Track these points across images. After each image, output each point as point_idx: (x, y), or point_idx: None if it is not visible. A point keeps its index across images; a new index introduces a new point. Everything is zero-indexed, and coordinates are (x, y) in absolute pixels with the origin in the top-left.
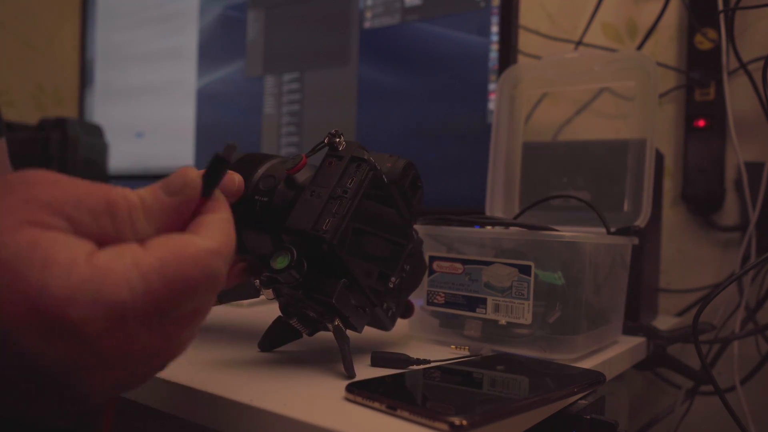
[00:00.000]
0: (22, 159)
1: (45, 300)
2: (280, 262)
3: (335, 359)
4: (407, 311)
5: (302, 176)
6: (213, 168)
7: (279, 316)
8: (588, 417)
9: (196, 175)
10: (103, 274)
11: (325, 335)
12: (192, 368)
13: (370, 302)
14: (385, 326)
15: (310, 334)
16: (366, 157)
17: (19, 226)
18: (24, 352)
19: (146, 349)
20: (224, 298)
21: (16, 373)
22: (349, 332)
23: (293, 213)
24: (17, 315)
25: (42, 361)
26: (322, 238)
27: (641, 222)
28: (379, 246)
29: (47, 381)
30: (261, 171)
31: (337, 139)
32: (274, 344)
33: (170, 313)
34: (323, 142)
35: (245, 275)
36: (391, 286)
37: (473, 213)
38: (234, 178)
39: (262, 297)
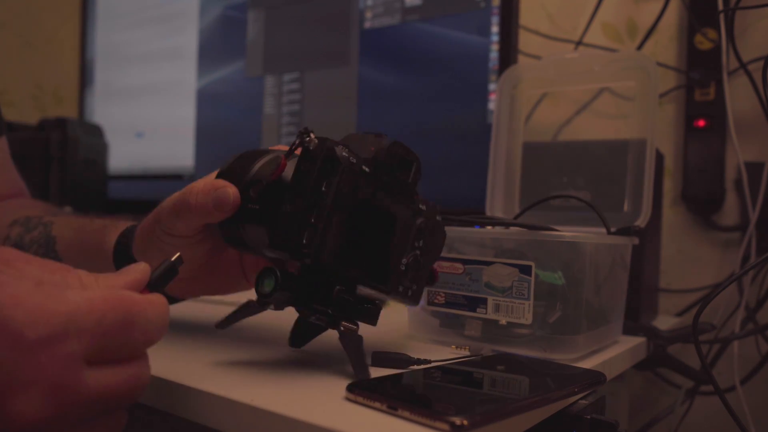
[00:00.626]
0: (22, 159)
1: None
2: (267, 285)
3: (336, 359)
4: (431, 279)
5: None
6: (165, 273)
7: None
8: (588, 417)
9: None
10: (50, 293)
11: (327, 334)
12: (192, 368)
13: (381, 291)
14: (410, 304)
15: (335, 328)
16: (339, 154)
17: None
18: None
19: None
20: (229, 321)
21: None
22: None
23: (274, 230)
24: None
25: None
26: (305, 253)
27: (641, 222)
28: (380, 234)
29: None
30: (253, 171)
31: (308, 138)
32: (305, 340)
33: (107, 346)
34: (295, 142)
35: (239, 266)
36: (403, 268)
37: (473, 213)
38: (229, 193)
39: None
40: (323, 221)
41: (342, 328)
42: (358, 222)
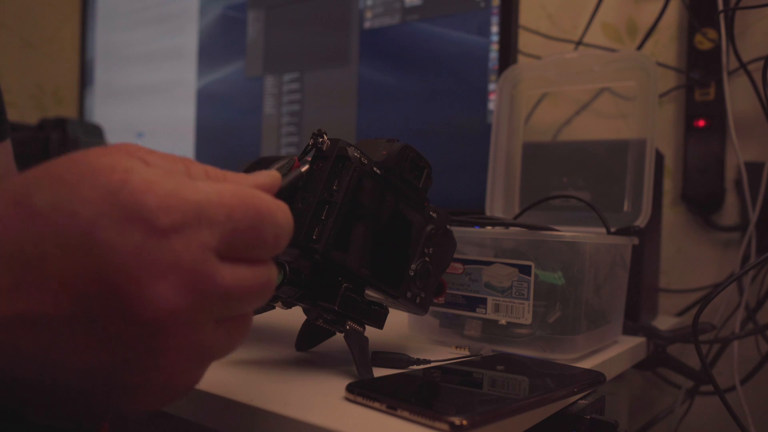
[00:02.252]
0: (22, 159)
1: (125, 188)
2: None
3: (335, 359)
4: (439, 290)
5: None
6: (293, 181)
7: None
8: (588, 417)
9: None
10: (180, 181)
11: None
12: None
13: (389, 295)
14: (417, 313)
15: (342, 331)
16: (350, 155)
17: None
18: (99, 246)
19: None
20: None
21: (84, 278)
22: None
23: None
24: (97, 202)
25: (112, 259)
26: (314, 248)
27: (641, 222)
28: (391, 237)
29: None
30: None
31: (321, 139)
32: (310, 344)
33: (236, 244)
34: (309, 144)
35: None
36: (412, 273)
37: (473, 213)
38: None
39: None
40: (333, 218)
41: (348, 327)
42: (367, 222)
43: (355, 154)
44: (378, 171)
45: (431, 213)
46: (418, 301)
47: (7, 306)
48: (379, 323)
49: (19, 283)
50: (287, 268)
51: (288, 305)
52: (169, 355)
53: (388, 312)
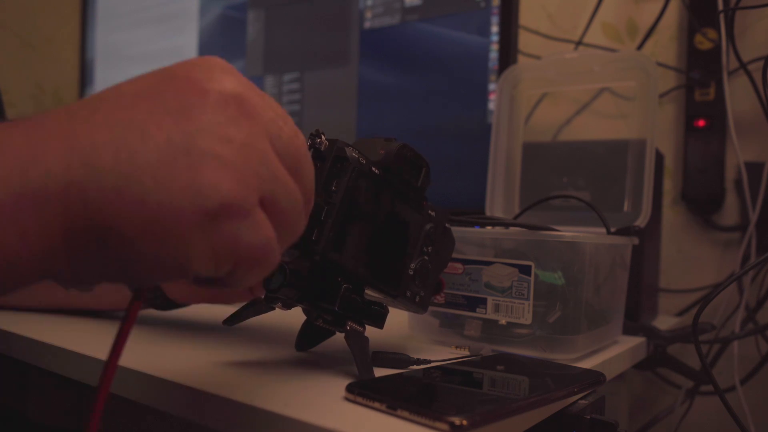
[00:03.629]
0: None
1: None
2: (275, 281)
3: (335, 359)
4: (438, 288)
5: None
6: None
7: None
8: (588, 417)
9: None
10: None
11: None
12: (193, 368)
13: (389, 295)
14: (417, 311)
15: (342, 332)
16: (349, 155)
17: None
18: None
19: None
20: (236, 318)
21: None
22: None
23: None
24: None
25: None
26: (313, 249)
27: (641, 222)
28: (389, 236)
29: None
30: None
31: (318, 140)
32: (310, 344)
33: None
34: (307, 144)
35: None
36: (411, 272)
37: (473, 213)
38: None
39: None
40: (332, 219)
41: (348, 328)
42: (366, 223)
43: (354, 154)
44: (376, 171)
45: (430, 212)
46: (417, 300)
47: None
48: (380, 323)
49: None
50: (287, 269)
51: (288, 306)
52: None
53: (388, 311)
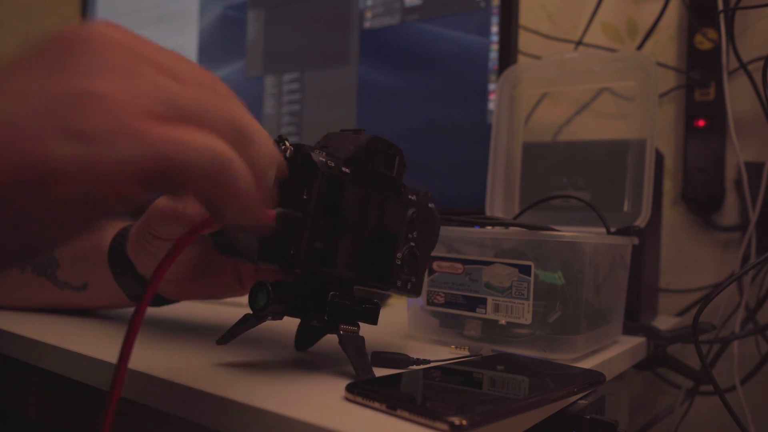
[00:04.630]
0: None
1: None
2: (260, 300)
3: (335, 359)
4: (429, 270)
5: None
6: None
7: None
8: (588, 417)
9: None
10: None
11: (328, 335)
12: (192, 368)
13: (379, 289)
14: (410, 296)
15: (334, 332)
16: (316, 159)
17: None
18: None
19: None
20: (230, 336)
21: None
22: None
23: (261, 242)
24: None
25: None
26: (293, 263)
27: (641, 222)
28: (371, 233)
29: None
30: None
31: (282, 146)
32: (309, 343)
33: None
34: None
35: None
36: (399, 262)
37: (473, 213)
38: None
39: None
40: (308, 230)
41: (341, 332)
42: (345, 225)
43: (321, 158)
44: (347, 170)
45: (410, 197)
46: (409, 286)
47: None
48: (373, 320)
49: None
50: (269, 288)
51: (279, 317)
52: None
53: (379, 306)
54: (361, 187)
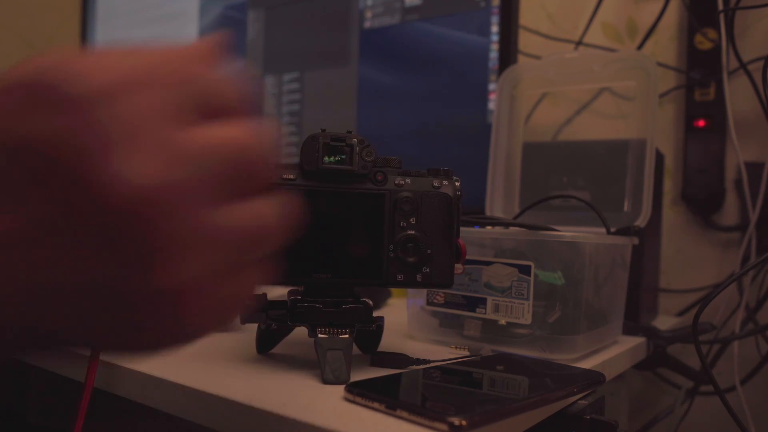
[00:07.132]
0: None
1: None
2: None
3: None
4: (458, 255)
5: None
6: None
7: None
8: (588, 417)
9: None
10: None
11: None
12: (192, 368)
13: (378, 285)
14: (439, 287)
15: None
16: None
17: None
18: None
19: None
20: (269, 345)
21: None
22: None
23: None
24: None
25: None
26: (281, 282)
27: (641, 222)
28: (344, 233)
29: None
30: None
31: None
32: (270, 346)
33: (201, 103)
34: None
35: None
36: (391, 255)
37: (473, 213)
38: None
39: None
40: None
41: (318, 337)
42: (320, 232)
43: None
44: (291, 176)
45: (397, 182)
46: (419, 278)
47: None
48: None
49: None
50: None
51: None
52: (159, 246)
53: (366, 308)
54: (313, 191)
